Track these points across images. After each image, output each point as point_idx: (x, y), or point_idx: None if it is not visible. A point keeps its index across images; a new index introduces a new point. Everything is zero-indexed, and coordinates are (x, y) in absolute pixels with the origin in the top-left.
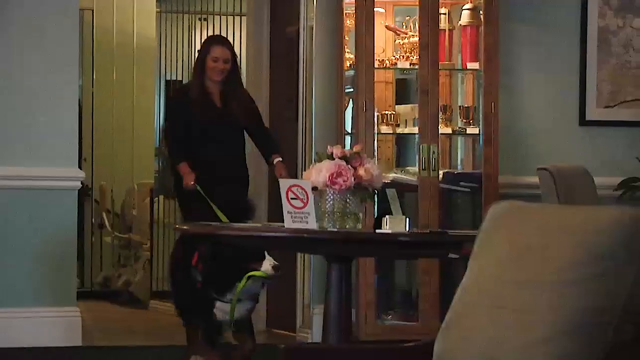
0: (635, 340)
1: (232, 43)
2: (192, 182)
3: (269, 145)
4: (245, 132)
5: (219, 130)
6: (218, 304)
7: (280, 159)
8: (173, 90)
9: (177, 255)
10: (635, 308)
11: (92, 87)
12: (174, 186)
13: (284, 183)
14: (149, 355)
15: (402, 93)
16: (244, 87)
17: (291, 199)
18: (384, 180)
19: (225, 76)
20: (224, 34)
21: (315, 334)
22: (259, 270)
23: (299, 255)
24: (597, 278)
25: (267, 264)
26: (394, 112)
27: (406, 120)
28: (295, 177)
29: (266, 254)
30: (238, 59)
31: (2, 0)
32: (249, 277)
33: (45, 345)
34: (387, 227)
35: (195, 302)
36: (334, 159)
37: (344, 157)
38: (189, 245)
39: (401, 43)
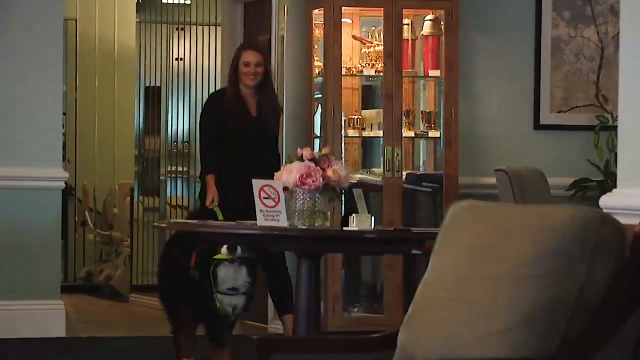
0: (584, 331)
1: (263, 49)
2: (210, 203)
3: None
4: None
5: (252, 138)
6: (219, 296)
7: None
8: (209, 96)
9: (168, 258)
10: (586, 302)
11: (76, 92)
12: (200, 192)
13: (257, 183)
14: (128, 345)
15: (368, 99)
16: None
17: (263, 198)
18: (350, 181)
19: (259, 82)
20: (199, 44)
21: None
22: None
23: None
24: (552, 274)
25: (224, 246)
26: (360, 117)
27: (372, 124)
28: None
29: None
30: (270, 65)
31: None
32: (213, 259)
33: (31, 336)
34: (354, 224)
35: (196, 302)
36: (303, 160)
37: (313, 159)
38: (185, 247)
39: (367, 52)
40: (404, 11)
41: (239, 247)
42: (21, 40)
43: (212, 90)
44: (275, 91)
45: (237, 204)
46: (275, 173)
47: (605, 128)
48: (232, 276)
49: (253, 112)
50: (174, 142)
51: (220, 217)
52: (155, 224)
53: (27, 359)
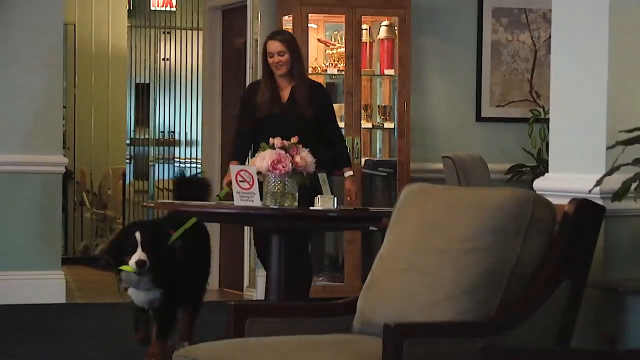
0: (519, 297)
1: (286, 36)
2: (224, 188)
3: (340, 157)
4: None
5: (282, 123)
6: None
7: (352, 173)
8: (244, 88)
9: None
10: (521, 270)
11: (74, 88)
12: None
13: (234, 168)
14: (121, 310)
15: (331, 94)
16: (307, 79)
17: (240, 181)
18: (315, 166)
19: (289, 69)
20: (184, 46)
21: (259, 293)
22: (128, 263)
23: (246, 227)
24: (491, 247)
25: (134, 260)
26: None
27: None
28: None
29: (139, 247)
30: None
31: (3, 19)
32: (119, 270)
33: (35, 302)
34: (319, 204)
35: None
36: (274, 148)
37: (283, 147)
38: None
39: (330, 53)
40: (363, 18)
41: (147, 263)
42: (26, 44)
43: (194, 86)
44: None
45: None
46: (318, 154)
47: (538, 120)
48: (135, 280)
49: (285, 98)
50: (161, 132)
51: (222, 195)
52: (145, 203)
53: (31, 321)
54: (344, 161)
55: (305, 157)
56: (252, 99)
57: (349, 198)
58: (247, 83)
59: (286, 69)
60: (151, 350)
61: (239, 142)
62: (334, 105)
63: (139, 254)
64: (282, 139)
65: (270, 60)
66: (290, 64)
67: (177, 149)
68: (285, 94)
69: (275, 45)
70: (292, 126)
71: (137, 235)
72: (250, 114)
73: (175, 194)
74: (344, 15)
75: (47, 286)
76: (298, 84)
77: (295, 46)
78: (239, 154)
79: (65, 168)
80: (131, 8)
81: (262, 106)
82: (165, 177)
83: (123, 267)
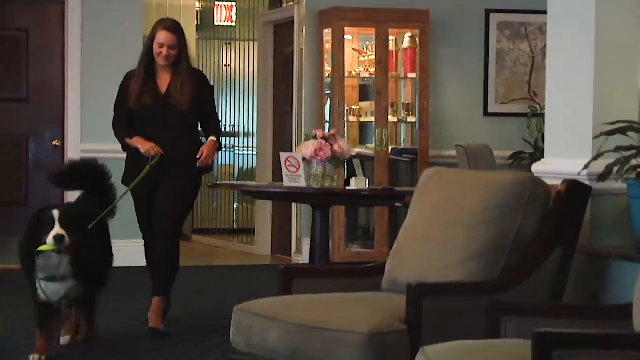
0: (520, 262)
1: (179, 30)
2: (150, 150)
3: (210, 127)
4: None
5: (156, 114)
6: (42, 284)
7: (215, 139)
8: (124, 76)
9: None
10: (521, 239)
11: None
12: (123, 176)
13: (284, 155)
14: (194, 271)
15: (364, 94)
16: (194, 71)
17: (288, 165)
18: (351, 153)
19: (173, 62)
20: (241, 55)
21: (304, 258)
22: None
23: (293, 204)
24: (496, 220)
25: (51, 235)
26: (358, 107)
27: (366, 112)
28: (289, 150)
29: (56, 225)
30: (187, 42)
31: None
32: (38, 252)
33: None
34: (353, 185)
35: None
36: (317, 138)
37: (324, 137)
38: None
39: (363, 60)
40: (390, 30)
41: (65, 237)
42: (112, 53)
43: (251, 87)
44: (193, 67)
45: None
46: (188, 151)
47: (535, 115)
48: (54, 264)
49: (163, 89)
50: (223, 125)
51: (148, 168)
52: (209, 184)
53: (124, 281)
54: (214, 130)
55: (342, 146)
56: (128, 88)
57: (199, 156)
58: (294, 85)
59: (171, 62)
60: (40, 343)
61: (125, 127)
62: (366, 102)
63: (56, 230)
64: (155, 132)
65: (157, 50)
66: (177, 58)
67: (236, 139)
68: (163, 84)
69: (168, 38)
70: (166, 118)
71: (55, 212)
72: (125, 103)
73: (66, 181)
74: (374, 29)
75: (132, 253)
76: (180, 77)
77: (185, 40)
78: (126, 130)
79: None
80: (199, 23)
81: (134, 96)
82: (228, 163)
83: (41, 248)
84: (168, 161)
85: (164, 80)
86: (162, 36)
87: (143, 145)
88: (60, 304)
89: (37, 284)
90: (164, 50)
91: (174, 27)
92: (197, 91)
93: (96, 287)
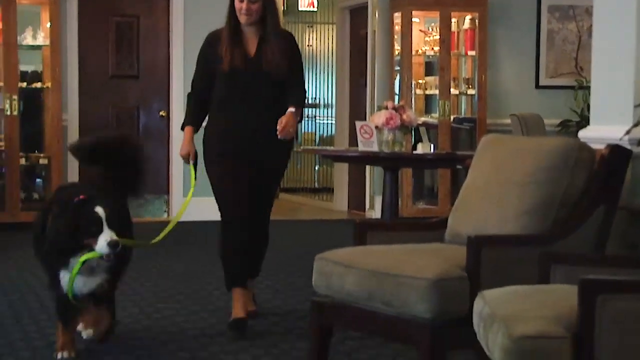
0: (567, 217)
1: None
2: (186, 157)
3: (293, 95)
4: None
5: (245, 80)
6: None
7: (293, 110)
8: (205, 38)
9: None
10: (568, 197)
11: None
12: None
13: (359, 123)
14: (277, 225)
15: (429, 70)
16: (283, 32)
17: (362, 133)
18: (418, 122)
19: (257, 19)
20: (322, 36)
21: (377, 213)
22: (95, 247)
23: (367, 166)
24: (546, 180)
25: (103, 240)
26: (424, 81)
27: (431, 85)
28: (363, 119)
29: (105, 227)
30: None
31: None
32: (83, 262)
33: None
34: (420, 150)
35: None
36: (388, 109)
37: (394, 108)
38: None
39: (428, 40)
40: (452, 13)
41: (120, 243)
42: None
43: (330, 64)
44: (281, 27)
45: (226, 146)
46: (279, 115)
47: (581, 87)
48: (94, 263)
49: (251, 52)
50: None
51: (193, 178)
52: (297, 149)
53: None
54: (295, 100)
55: (410, 115)
56: (212, 53)
57: (278, 127)
58: (368, 62)
59: (254, 19)
60: (65, 339)
61: (193, 106)
62: (430, 77)
63: (108, 234)
64: (245, 98)
65: (238, 4)
66: (261, 14)
67: (317, 110)
68: (252, 47)
69: None
70: (257, 85)
71: (100, 211)
72: (208, 69)
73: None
74: (438, 12)
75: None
76: (269, 38)
77: None
78: (193, 119)
79: None
80: (285, 9)
81: (224, 60)
82: (310, 131)
83: (89, 256)
84: (260, 135)
85: (251, 44)
86: None
87: (183, 148)
88: (86, 298)
89: (63, 279)
90: (244, 5)
91: None
92: (286, 54)
93: (120, 279)
